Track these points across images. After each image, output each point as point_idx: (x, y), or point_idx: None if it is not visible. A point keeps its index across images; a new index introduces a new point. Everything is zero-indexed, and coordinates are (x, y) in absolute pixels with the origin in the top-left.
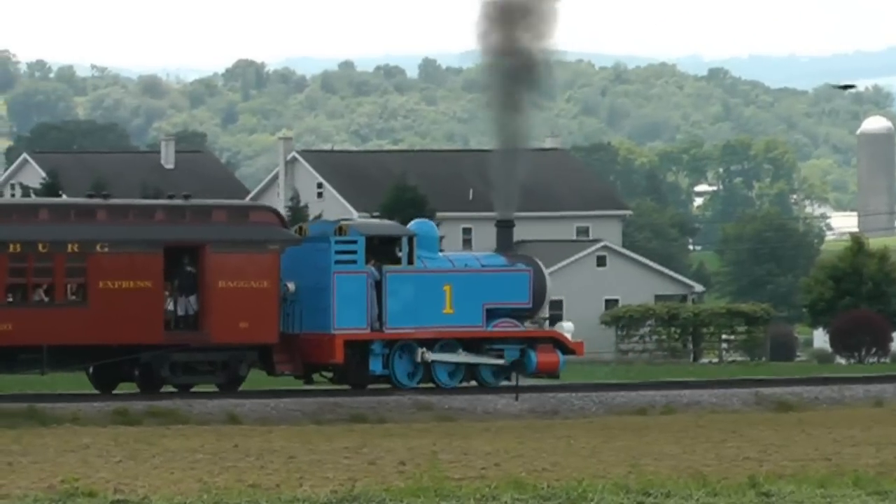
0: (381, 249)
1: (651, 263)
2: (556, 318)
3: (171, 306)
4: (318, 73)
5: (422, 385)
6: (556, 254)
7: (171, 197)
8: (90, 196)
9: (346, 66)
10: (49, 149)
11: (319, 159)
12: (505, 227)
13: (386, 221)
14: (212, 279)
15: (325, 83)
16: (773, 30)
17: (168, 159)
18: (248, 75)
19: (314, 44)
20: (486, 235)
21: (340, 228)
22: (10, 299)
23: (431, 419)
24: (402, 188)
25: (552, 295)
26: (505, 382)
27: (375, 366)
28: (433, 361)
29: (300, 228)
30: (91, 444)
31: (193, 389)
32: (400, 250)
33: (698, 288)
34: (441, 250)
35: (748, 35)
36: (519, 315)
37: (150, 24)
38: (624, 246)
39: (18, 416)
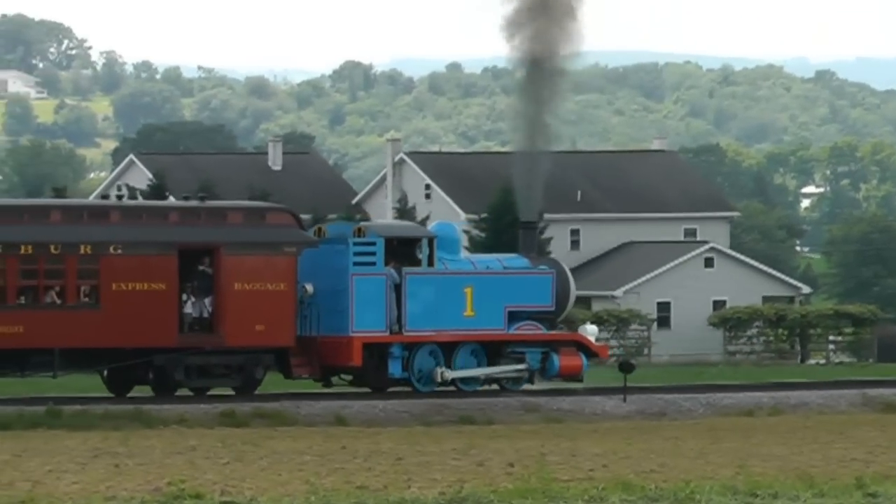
0: (402, 251)
1: (758, 265)
2: (663, 320)
3: (186, 309)
4: (425, 74)
5: (441, 389)
6: (664, 255)
7: (186, 198)
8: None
9: (454, 67)
10: (155, 150)
11: (427, 161)
12: (528, 228)
13: (406, 223)
14: (227, 281)
15: (433, 84)
16: (879, 32)
17: (275, 161)
18: (355, 77)
19: (422, 45)
20: (594, 237)
21: (359, 230)
22: (22, 301)
23: (539, 421)
24: (510, 190)
25: (575, 294)
26: (528, 386)
27: (395, 369)
28: (453, 378)
29: (319, 230)
30: (198, 445)
31: (211, 392)
32: (420, 252)
33: (805, 289)
34: (548, 252)
35: (855, 37)
36: (542, 318)
37: (258, 25)
38: (731, 247)
39: (124, 417)
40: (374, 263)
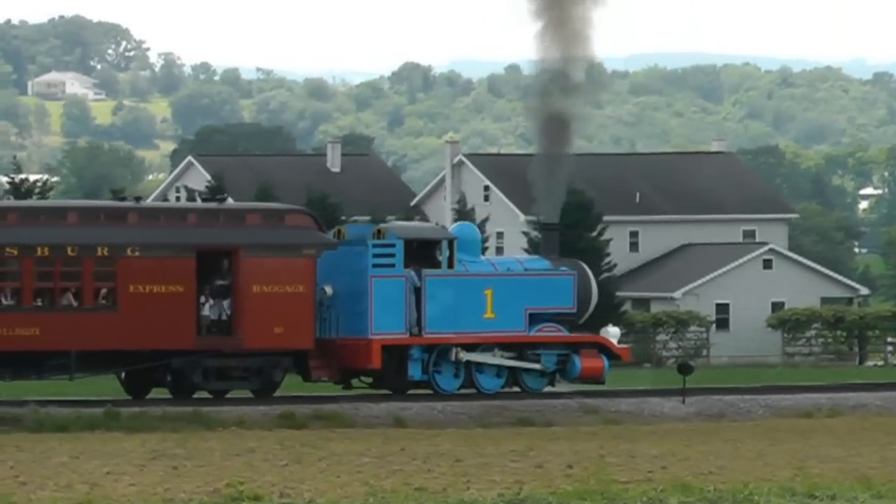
0: (422, 253)
1: (817, 266)
2: (722, 322)
3: (204, 311)
4: (484, 76)
5: (463, 391)
6: (723, 257)
7: (205, 200)
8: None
9: (513, 69)
10: (214, 152)
11: (486, 162)
12: (550, 230)
13: (426, 224)
14: (245, 284)
15: (492, 86)
16: None
17: (334, 162)
18: (414, 78)
19: (480, 46)
20: (653, 238)
21: (379, 232)
22: (38, 303)
23: (598, 422)
24: (569, 191)
25: (595, 297)
26: (549, 388)
27: (415, 371)
28: (468, 362)
29: (339, 232)
30: (256, 447)
31: (230, 395)
32: (440, 254)
33: (864, 291)
34: (607, 254)
35: None
36: (564, 320)
37: (317, 27)
38: (790, 249)
39: (183, 419)
40: (393, 265)
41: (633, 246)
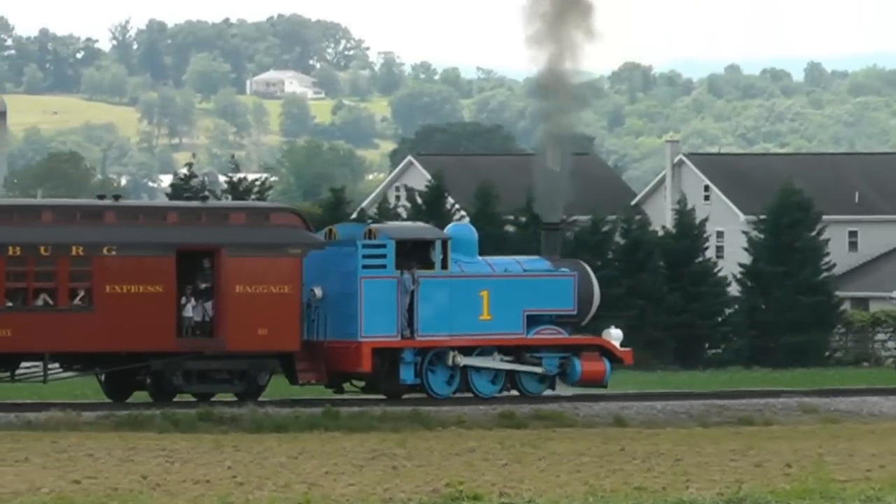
0: (416, 254)
1: None
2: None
3: (186, 312)
4: (704, 76)
5: (458, 395)
6: None
7: (188, 198)
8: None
9: (733, 69)
10: (434, 151)
11: (706, 162)
12: (551, 230)
13: (420, 225)
14: (228, 284)
15: (712, 86)
16: None
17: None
18: (634, 78)
19: (701, 46)
20: (872, 238)
21: (370, 232)
22: (10, 304)
23: (817, 422)
24: (789, 191)
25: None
26: (549, 392)
27: (407, 375)
28: (466, 366)
29: (330, 232)
30: (476, 447)
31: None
32: (434, 255)
33: None
34: (826, 253)
35: None
36: (564, 322)
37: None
38: None
39: (403, 419)
40: (384, 266)
41: (852, 245)
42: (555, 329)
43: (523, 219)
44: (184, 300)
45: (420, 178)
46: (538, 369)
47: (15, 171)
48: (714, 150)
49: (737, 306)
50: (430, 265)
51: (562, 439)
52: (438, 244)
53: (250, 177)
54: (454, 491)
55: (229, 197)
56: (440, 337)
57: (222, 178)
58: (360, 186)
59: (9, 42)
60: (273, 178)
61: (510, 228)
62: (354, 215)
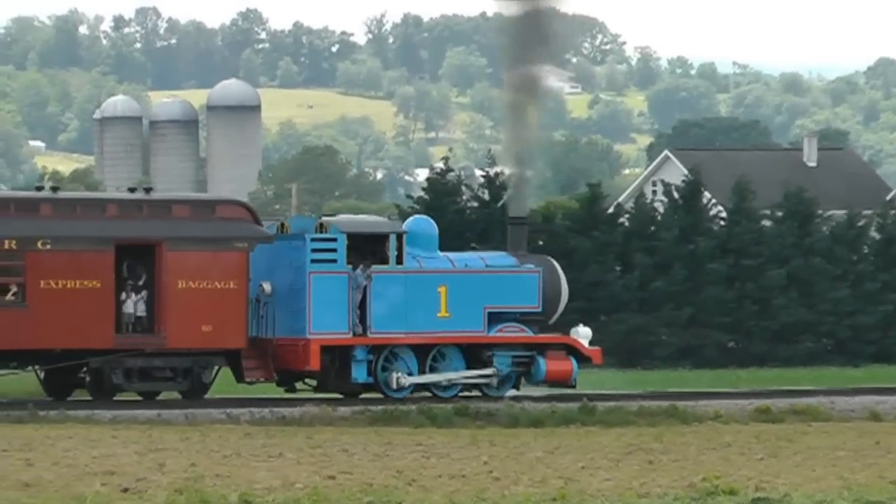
0: (370, 248)
1: None
2: None
3: (126, 308)
4: None
5: (415, 395)
6: None
7: (145, 190)
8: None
9: None
10: (690, 146)
11: None
12: (517, 224)
13: (373, 218)
14: (169, 279)
15: None
16: None
17: (810, 157)
18: (889, 73)
19: None
20: None
21: (321, 226)
22: None
23: None
24: None
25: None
26: (512, 392)
27: (359, 373)
28: (425, 362)
29: (282, 226)
30: (733, 442)
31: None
32: (389, 249)
33: None
34: None
35: None
36: (529, 320)
37: (792, 21)
38: None
39: (660, 414)
40: (335, 261)
41: None
42: (517, 327)
43: (779, 213)
44: (124, 296)
45: (677, 172)
46: (489, 371)
47: (270, 164)
48: None
49: None
50: (386, 260)
51: (817, 433)
52: (393, 238)
53: (507, 171)
54: (710, 485)
55: (485, 192)
56: (394, 334)
57: (479, 173)
58: (616, 181)
59: (262, 35)
60: (529, 173)
61: (767, 223)
62: (611, 210)
